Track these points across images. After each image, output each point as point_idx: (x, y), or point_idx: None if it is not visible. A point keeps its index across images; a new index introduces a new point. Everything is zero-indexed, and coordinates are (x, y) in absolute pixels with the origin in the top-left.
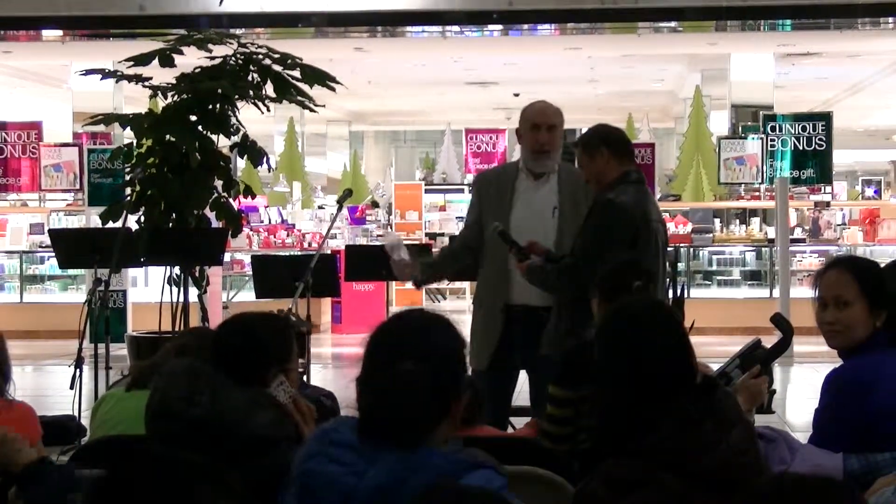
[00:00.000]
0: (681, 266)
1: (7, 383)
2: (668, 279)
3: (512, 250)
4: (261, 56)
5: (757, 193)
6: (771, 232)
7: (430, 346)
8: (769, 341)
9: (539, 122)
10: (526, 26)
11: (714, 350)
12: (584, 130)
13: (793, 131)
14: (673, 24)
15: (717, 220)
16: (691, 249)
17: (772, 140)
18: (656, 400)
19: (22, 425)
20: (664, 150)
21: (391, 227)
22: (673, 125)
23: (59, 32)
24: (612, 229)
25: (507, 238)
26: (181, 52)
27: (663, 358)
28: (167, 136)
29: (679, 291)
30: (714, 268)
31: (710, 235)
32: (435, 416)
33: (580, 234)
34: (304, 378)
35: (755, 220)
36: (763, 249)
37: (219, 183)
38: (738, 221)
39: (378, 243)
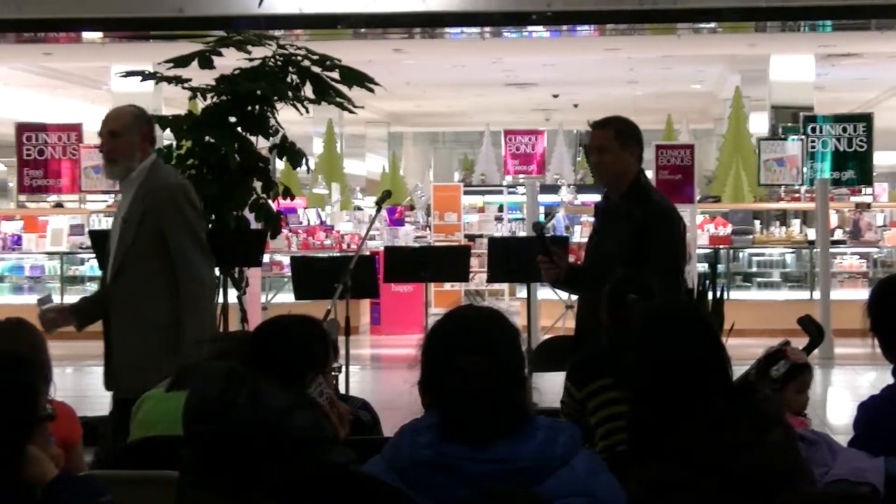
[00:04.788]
0: (720, 268)
1: (48, 384)
2: (707, 280)
3: (543, 248)
4: (300, 57)
5: (797, 195)
6: (811, 233)
7: (491, 339)
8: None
9: (101, 131)
10: (565, 27)
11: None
12: None
13: (833, 132)
14: (712, 25)
15: (756, 222)
16: (731, 251)
17: (812, 141)
18: (692, 401)
19: (62, 426)
20: (703, 151)
21: (430, 229)
22: (712, 126)
23: (99, 34)
24: (678, 239)
25: (542, 235)
26: (220, 54)
27: (698, 359)
28: (206, 138)
29: (719, 293)
30: (754, 269)
31: (750, 237)
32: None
33: (631, 245)
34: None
35: (795, 222)
36: (803, 251)
37: (258, 184)
38: (778, 223)
39: (414, 244)
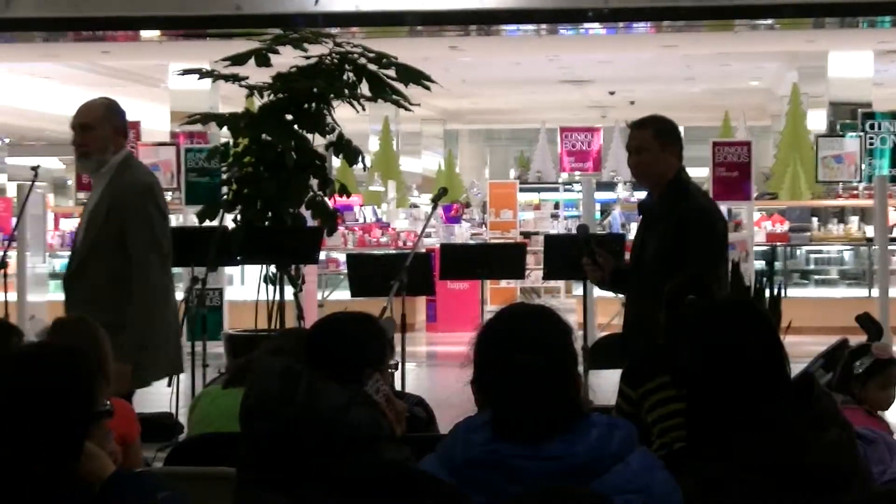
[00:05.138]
0: (778, 265)
1: (107, 381)
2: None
3: (588, 250)
4: (356, 55)
5: (855, 192)
6: (869, 231)
7: (543, 337)
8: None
9: (72, 123)
10: (621, 24)
11: (811, 350)
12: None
13: (892, 129)
14: (770, 21)
15: (814, 219)
16: (788, 248)
17: (870, 138)
18: (747, 399)
19: (121, 422)
20: (761, 148)
21: (486, 226)
22: (770, 123)
23: (157, 33)
24: (719, 237)
25: (586, 238)
26: (277, 52)
27: (754, 357)
28: (263, 136)
29: (776, 291)
30: (811, 267)
31: (808, 234)
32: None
33: (672, 244)
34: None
35: (853, 219)
36: (861, 248)
37: (314, 182)
38: (835, 220)
39: (470, 242)
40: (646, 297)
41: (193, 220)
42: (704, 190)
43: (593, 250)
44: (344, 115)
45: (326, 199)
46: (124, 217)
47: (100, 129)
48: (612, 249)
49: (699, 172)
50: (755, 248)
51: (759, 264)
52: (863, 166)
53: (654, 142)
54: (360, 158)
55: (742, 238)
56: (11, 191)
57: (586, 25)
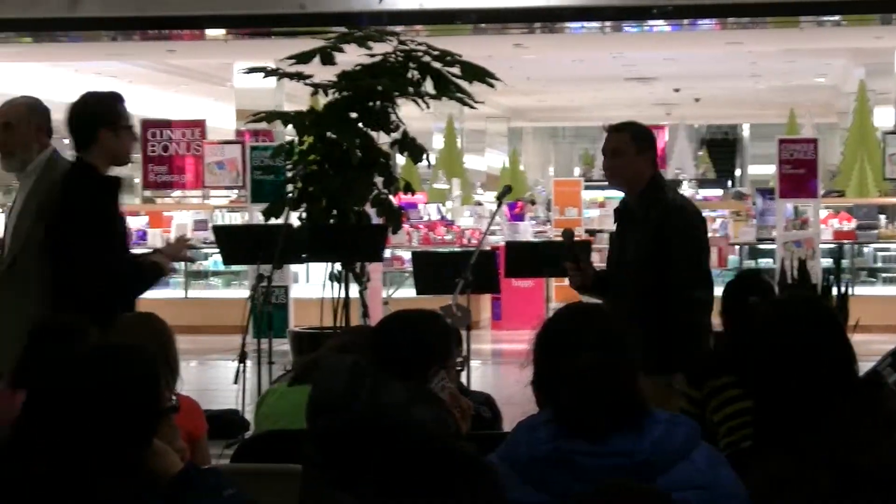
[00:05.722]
0: (845, 263)
1: (175, 378)
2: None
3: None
4: (420, 53)
5: None
6: None
7: (603, 335)
8: None
9: None
10: (686, 21)
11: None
12: (743, 127)
13: None
14: (836, 17)
15: (882, 217)
16: (855, 246)
17: None
18: (815, 398)
19: (187, 420)
20: (827, 145)
21: (550, 224)
22: (836, 120)
23: (222, 31)
24: (698, 232)
25: (571, 243)
26: (342, 50)
27: (821, 355)
28: (328, 133)
29: (843, 289)
30: (879, 265)
31: (875, 232)
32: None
33: (652, 246)
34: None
35: None
36: None
37: (379, 179)
38: None
39: (534, 239)
40: (626, 300)
41: (259, 218)
42: (681, 192)
43: (577, 255)
44: (408, 112)
45: (391, 196)
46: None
47: (22, 127)
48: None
49: (765, 170)
50: (822, 246)
51: (826, 262)
52: None
53: (630, 145)
54: (424, 156)
55: (809, 236)
56: None
57: (651, 22)
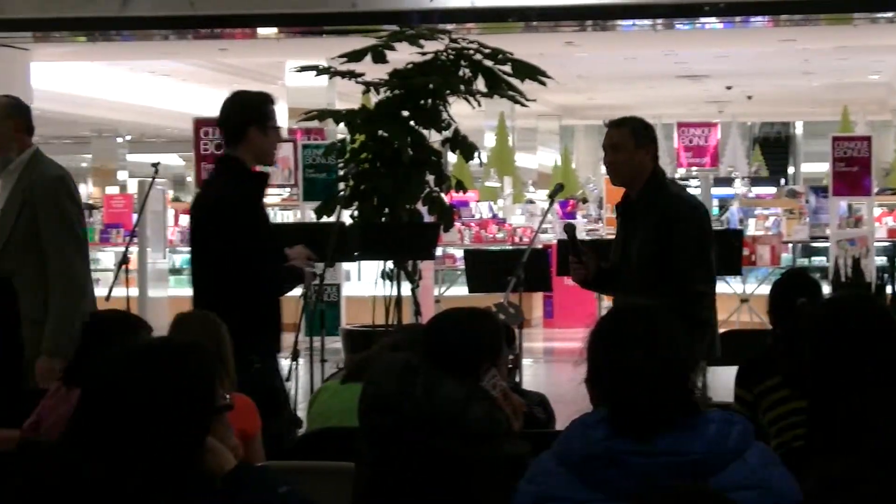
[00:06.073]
0: None
1: (229, 377)
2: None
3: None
4: (472, 51)
5: None
6: None
7: (656, 334)
8: None
9: None
10: (738, 18)
11: None
12: (796, 124)
13: None
14: (890, 14)
15: None
16: None
17: None
18: (870, 397)
19: (242, 418)
20: (881, 143)
21: (602, 222)
22: (890, 118)
23: (274, 30)
24: (703, 225)
25: (573, 237)
26: (393, 49)
27: (876, 354)
28: (380, 132)
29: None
30: None
31: None
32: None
33: (656, 240)
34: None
35: None
36: None
37: (430, 178)
38: None
39: (586, 238)
40: (633, 295)
41: (311, 216)
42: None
43: (580, 249)
44: (460, 111)
45: (443, 194)
46: (38, 211)
47: (1, 126)
48: (732, 245)
49: (819, 168)
50: (876, 244)
51: (880, 260)
52: None
53: (629, 140)
54: (476, 154)
55: (862, 234)
56: (132, 187)
57: (703, 20)
